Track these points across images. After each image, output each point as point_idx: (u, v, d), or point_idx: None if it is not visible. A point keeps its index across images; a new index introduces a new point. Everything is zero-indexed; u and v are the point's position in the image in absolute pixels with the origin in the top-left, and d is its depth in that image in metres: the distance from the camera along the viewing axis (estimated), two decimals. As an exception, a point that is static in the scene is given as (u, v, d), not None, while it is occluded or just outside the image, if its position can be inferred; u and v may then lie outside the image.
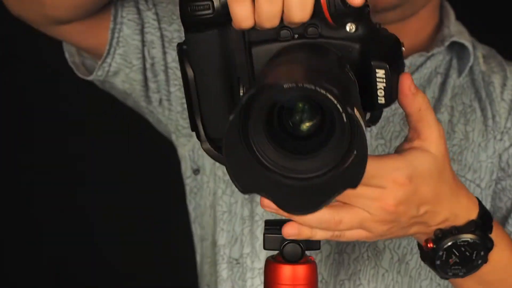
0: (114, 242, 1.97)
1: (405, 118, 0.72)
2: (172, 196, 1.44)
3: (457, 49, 1.02)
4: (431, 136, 0.70)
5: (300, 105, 0.63)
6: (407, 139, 0.72)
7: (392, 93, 0.66)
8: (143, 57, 0.98)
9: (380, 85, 0.65)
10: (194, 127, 0.72)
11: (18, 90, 1.89)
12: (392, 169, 0.68)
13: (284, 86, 0.57)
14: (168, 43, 0.98)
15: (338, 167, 0.60)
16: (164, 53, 0.98)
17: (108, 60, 0.96)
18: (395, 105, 0.70)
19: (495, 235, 0.76)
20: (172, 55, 0.99)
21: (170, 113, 1.02)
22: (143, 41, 0.97)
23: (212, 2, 0.65)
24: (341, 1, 0.64)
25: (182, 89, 0.99)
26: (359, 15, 0.65)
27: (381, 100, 0.66)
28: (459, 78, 1.00)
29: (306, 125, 0.64)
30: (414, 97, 0.68)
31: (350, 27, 0.66)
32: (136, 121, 1.11)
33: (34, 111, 1.92)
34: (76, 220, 1.97)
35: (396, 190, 0.68)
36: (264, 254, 0.96)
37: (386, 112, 0.87)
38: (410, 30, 1.02)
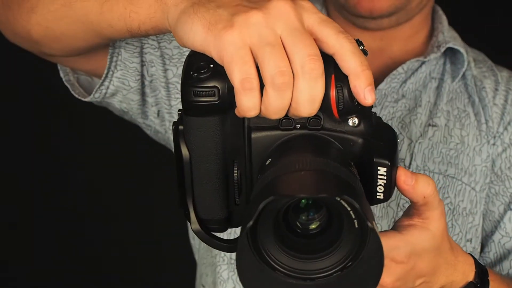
0: (112, 243, 1.97)
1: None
2: (170, 198, 1.45)
3: (449, 54, 1.03)
4: (432, 216, 0.70)
5: (308, 205, 0.62)
6: (407, 214, 0.72)
7: (391, 189, 0.64)
8: (142, 77, 0.97)
9: (381, 181, 0.63)
10: (182, 204, 0.69)
11: (16, 88, 1.88)
12: (391, 247, 0.69)
13: (303, 196, 0.57)
14: (168, 60, 0.97)
15: (347, 268, 0.59)
16: (165, 70, 0.97)
17: (106, 83, 0.94)
18: None
19: (492, 287, 0.79)
20: (173, 71, 0.97)
21: (171, 124, 1.01)
22: (142, 62, 0.96)
23: (218, 89, 0.62)
24: (349, 97, 0.61)
25: None
26: (364, 110, 0.63)
27: (380, 196, 0.64)
28: (452, 83, 1.02)
29: (313, 226, 0.62)
30: (414, 188, 0.67)
31: (352, 121, 0.63)
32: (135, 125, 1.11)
33: (33, 110, 1.92)
34: (74, 221, 1.98)
35: (394, 268, 0.69)
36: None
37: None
38: (404, 36, 1.04)
